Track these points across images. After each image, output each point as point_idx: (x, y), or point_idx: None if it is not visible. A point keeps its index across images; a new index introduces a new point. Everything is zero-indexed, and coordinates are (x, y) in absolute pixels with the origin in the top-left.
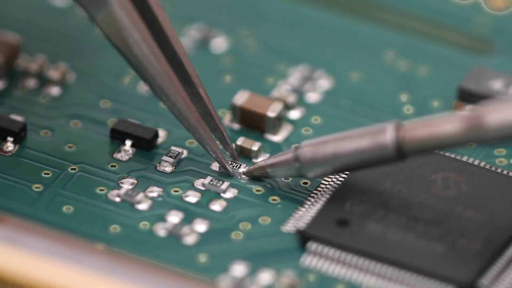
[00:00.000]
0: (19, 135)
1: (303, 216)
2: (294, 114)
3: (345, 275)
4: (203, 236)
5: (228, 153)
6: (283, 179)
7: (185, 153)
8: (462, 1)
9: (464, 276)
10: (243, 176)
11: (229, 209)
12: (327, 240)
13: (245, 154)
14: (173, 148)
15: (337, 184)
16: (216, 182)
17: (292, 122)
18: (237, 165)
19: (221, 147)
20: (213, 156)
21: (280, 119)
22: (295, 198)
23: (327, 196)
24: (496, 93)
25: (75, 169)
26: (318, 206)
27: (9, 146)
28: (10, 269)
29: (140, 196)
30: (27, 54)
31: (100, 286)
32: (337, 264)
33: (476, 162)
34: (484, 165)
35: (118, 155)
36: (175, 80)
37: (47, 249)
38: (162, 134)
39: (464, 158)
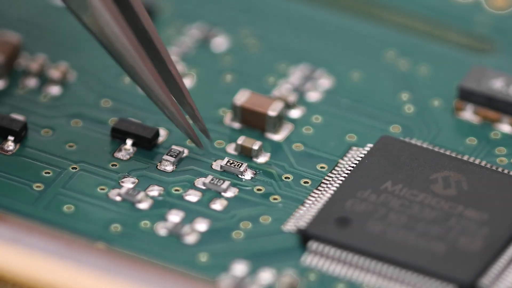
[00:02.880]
0: (20, 134)
1: (304, 215)
2: (295, 113)
3: (345, 275)
4: (204, 235)
5: (198, 128)
6: (283, 177)
7: (186, 152)
8: (463, 1)
9: (465, 275)
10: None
11: (230, 208)
12: (328, 239)
13: (245, 153)
14: (174, 147)
15: (338, 183)
16: (217, 181)
17: (292, 121)
18: (238, 165)
19: (191, 122)
20: (183, 131)
21: (280, 118)
22: (295, 197)
23: (328, 195)
24: (496, 93)
25: (76, 168)
26: (318, 205)
27: (10, 145)
28: (10, 268)
29: (141, 195)
30: (27, 53)
31: (100, 285)
32: (337, 263)
33: (476, 161)
34: (485, 164)
35: (119, 154)
36: (144, 57)
37: (47, 248)
38: (162, 133)
39: (465, 157)
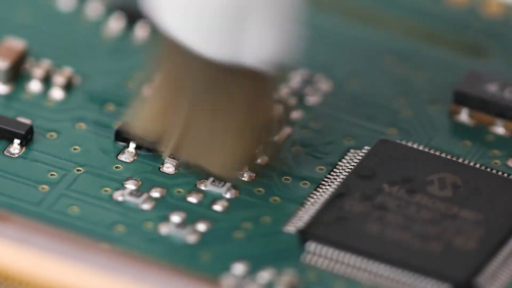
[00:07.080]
0: (26, 138)
1: (303, 216)
2: (294, 116)
3: (344, 274)
4: (205, 236)
5: None
6: (283, 179)
7: None
8: (458, 6)
9: (460, 274)
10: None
11: (231, 209)
12: (327, 239)
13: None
14: None
15: (336, 184)
16: (218, 183)
17: (292, 123)
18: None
19: None
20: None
21: (280, 121)
22: (295, 198)
23: (327, 196)
24: (491, 96)
25: (80, 170)
26: (317, 206)
27: (16, 148)
28: (16, 268)
29: (144, 196)
30: (33, 58)
31: (104, 285)
32: (336, 263)
33: (471, 163)
34: (480, 166)
35: (122, 157)
36: None
37: (53, 248)
38: None
39: (460, 160)
